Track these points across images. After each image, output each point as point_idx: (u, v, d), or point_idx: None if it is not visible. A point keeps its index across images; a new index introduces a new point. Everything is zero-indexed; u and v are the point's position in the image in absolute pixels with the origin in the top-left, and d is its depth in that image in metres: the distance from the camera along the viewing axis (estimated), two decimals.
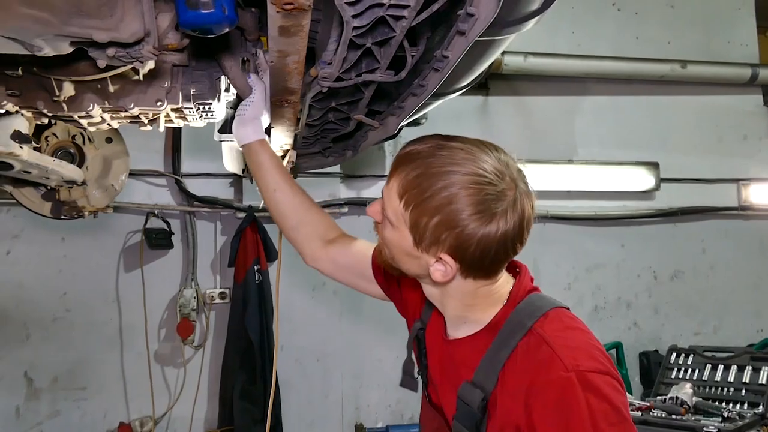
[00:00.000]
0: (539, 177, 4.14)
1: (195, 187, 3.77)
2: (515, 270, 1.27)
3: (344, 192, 3.98)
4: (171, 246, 3.67)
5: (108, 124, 1.71)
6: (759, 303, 4.70)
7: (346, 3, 1.04)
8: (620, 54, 4.30)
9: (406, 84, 1.59)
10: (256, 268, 3.61)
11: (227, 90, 1.77)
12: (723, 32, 4.69)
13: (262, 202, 2.04)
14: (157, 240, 3.61)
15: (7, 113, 1.67)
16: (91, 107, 1.50)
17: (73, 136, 2.30)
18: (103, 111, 1.57)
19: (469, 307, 1.22)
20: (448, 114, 3.68)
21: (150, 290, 3.63)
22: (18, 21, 0.99)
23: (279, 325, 3.56)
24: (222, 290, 3.78)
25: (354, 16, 1.10)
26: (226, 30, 1.19)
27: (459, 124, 3.97)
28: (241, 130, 1.69)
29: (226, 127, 2.07)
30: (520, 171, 1.17)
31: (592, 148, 4.38)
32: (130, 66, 1.39)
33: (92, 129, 1.71)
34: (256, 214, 3.68)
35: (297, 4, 0.90)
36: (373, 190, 4.04)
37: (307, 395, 3.79)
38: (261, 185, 1.72)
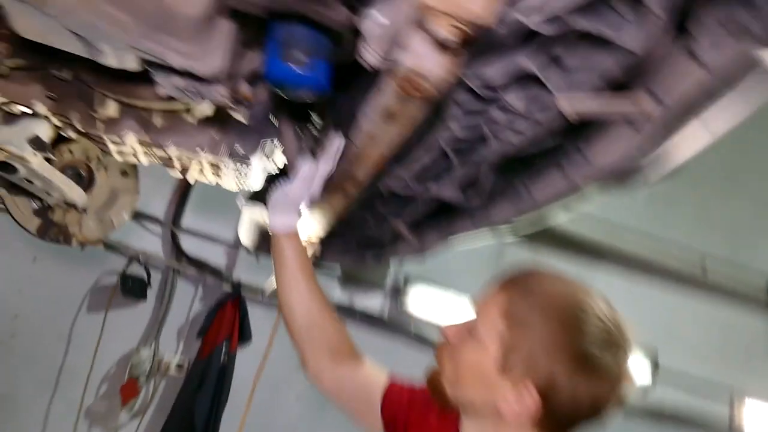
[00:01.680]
0: None
1: (189, 244, 3.57)
2: None
3: (338, 294, 3.78)
4: (144, 298, 3.42)
5: (136, 157, 1.55)
6: None
7: (460, 109, 0.91)
8: (644, 239, 4.25)
9: (468, 209, 1.45)
10: (224, 348, 3.33)
11: (269, 157, 1.64)
12: (747, 244, 4.67)
13: (271, 287, 1.86)
14: (132, 288, 3.37)
15: (34, 114, 1.52)
16: (127, 134, 1.35)
17: (90, 159, 2.15)
18: (139, 142, 1.42)
19: None
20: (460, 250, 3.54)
21: (106, 339, 3.34)
22: (94, 17, 0.85)
23: (230, 414, 3.27)
24: (181, 361, 3.48)
25: (460, 127, 0.98)
26: (313, 97, 1.06)
27: (469, 262, 3.83)
28: (275, 215, 1.53)
29: (255, 196, 1.92)
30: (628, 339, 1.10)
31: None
32: (190, 104, 1.26)
33: (118, 158, 1.56)
34: (244, 293, 3.45)
35: (422, 91, 0.76)
36: (371, 300, 3.84)
37: None
38: (278, 278, 1.55)
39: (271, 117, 1.35)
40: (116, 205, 2.20)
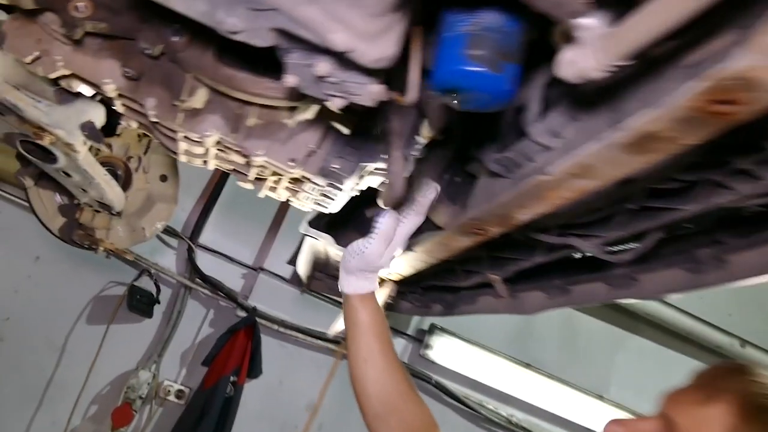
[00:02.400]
0: (568, 404, 3.68)
1: (205, 262, 3.29)
2: None
3: None
4: (150, 315, 3.13)
5: (205, 161, 1.30)
6: None
7: None
8: (680, 306, 4.01)
9: (605, 268, 1.20)
10: (232, 379, 3.04)
11: (357, 185, 1.38)
12: None
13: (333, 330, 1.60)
14: (139, 303, 3.08)
15: (93, 95, 1.27)
16: (210, 133, 1.10)
17: (129, 158, 1.89)
18: (219, 144, 1.17)
19: None
20: None
21: (104, 354, 3.03)
22: None
23: None
24: (182, 388, 3.17)
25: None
26: (488, 109, 0.82)
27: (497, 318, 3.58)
28: (349, 276, 1.30)
29: (319, 222, 1.67)
30: None
31: (626, 392, 3.95)
32: (304, 104, 1.02)
33: (183, 159, 1.30)
34: (259, 320, 3.17)
35: (739, 107, 0.52)
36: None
37: None
38: (351, 348, 1.33)
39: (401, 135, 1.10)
40: (151, 212, 1.95)
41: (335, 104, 0.85)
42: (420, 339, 3.59)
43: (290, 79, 0.83)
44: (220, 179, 3.34)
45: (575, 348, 3.96)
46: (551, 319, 3.92)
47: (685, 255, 1.00)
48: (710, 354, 4.16)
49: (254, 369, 3.15)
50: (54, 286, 3.10)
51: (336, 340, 3.28)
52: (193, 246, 3.27)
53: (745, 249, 0.89)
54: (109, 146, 1.85)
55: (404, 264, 1.42)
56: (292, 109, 1.10)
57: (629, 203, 0.92)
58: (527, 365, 3.71)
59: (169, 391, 3.14)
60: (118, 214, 1.82)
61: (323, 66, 0.77)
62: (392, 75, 0.80)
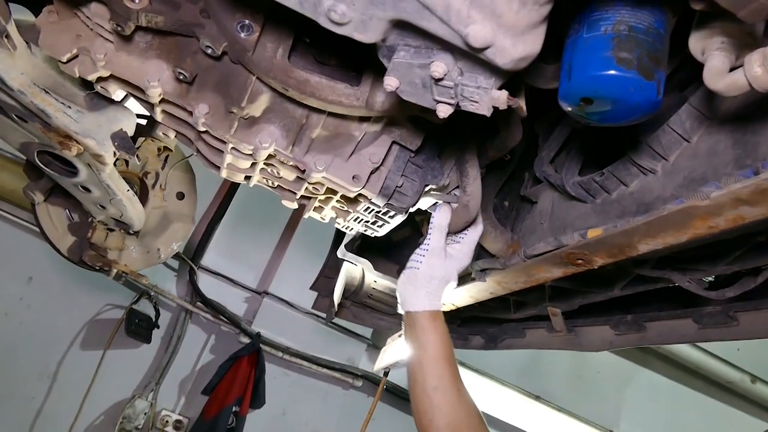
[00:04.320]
0: None
1: (207, 285, 3.13)
2: None
3: (364, 363, 3.34)
4: (148, 340, 2.96)
5: (247, 177, 1.17)
6: None
7: None
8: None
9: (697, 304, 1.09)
10: (234, 409, 2.87)
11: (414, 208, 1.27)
12: None
13: (379, 367, 1.48)
14: (138, 327, 2.91)
15: (127, 100, 1.15)
16: (268, 144, 0.98)
17: (146, 173, 1.76)
18: (271, 158, 1.05)
19: None
20: None
21: (99, 382, 2.85)
22: None
23: None
24: (181, 418, 2.99)
25: None
26: (629, 121, 0.70)
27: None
28: (411, 288, 1.17)
29: (351, 246, 1.55)
30: None
31: (636, 427, 3.84)
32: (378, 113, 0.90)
33: (223, 175, 1.17)
34: (263, 346, 3.01)
35: None
36: (395, 372, 3.41)
37: None
38: (417, 375, 1.18)
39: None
40: (167, 232, 1.81)
41: (441, 112, 0.73)
42: None
43: (391, 82, 0.71)
44: (224, 199, 3.20)
45: (585, 381, 3.85)
46: (561, 351, 3.80)
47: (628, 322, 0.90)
48: (721, 390, 4.07)
49: (257, 399, 2.99)
50: (47, 308, 2.91)
51: (367, 377, 3.12)
52: (195, 268, 3.11)
53: None
54: (125, 161, 1.72)
55: (464, 294, 1.30)
56: (362, 119, 0.98)
57: (762, 236, 0.81)
58: (537, 397, 3.58)
59: (167, 421, 2.95)
60: (136, 233, 1.67)
61: (441, 66, 0.65)
62: (516, 81, 0.69)
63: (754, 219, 0.65)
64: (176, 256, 3.11)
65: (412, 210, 1.21)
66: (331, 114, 0.96)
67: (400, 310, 1.21)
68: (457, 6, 0.57)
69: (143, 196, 1.74)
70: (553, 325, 1.39)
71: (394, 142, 1.07)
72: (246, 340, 3.07)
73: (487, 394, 3.44)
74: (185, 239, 1.84)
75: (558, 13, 0.67)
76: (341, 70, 0.91)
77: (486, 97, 0.67)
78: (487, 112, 0.70)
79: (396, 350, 1.83)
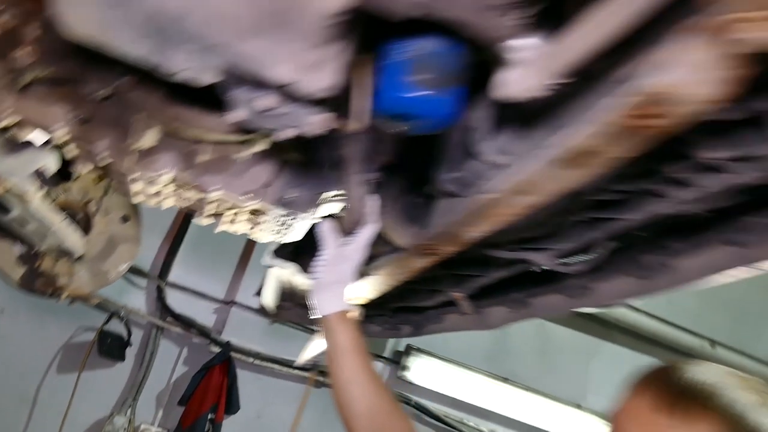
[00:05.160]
0: (547, 415, 3.70)
1: (176, 300, 3.25)
2: None
3: None
4: (122, 359, 3.07)
5: (162, 200, 1.30)
6: None
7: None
8: (649, 311, 4.08)
9: (554, 282, 1.23)
10: (210, 416, 2.99)
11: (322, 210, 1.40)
12: (751, 324, 4.54)
13: (302, 360, 1.60)
14: (110, 347, 3.02)
15: (45, 142, 1.27)
16: (166, 170, 1.11)
17: (88, 201, 1.88)
18: (174, 182, 1.18)
19: None
20: None
21: (77, 403, 2.96)
22: (194, 4, 0.63)
23: None
24: (159, 430, 3.11)
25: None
26: (432, 130, 0.84)
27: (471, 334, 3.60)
28: (323, 295, 1.29)
29: (284, 251, 1.68)
30: None
31: (603, 400, 3.98)
32: (253, 136, 1.03)
33: (138, 200, 1.30)
34: (233, 354, 3.14)
35: (660, 122, 0.55)
36: None
37: None
38: (334, 372, 1.30)
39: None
40: (114, 255, 1.94)
41: (284, 135, 0.86)
42: (397, 361, 3.59)
43: (237, 114, 0.84)
44: (186, 216, 3.32)
45: (550, 359, 3.99)
46: (525, 331, 3.94)
47: (634, 262, 1.03)
48: (682, 356, 4.23)
49: (232, 405, 3.11)
50: (21, 337, 3.02)
51: (305, 368, 3.27)
52: (162, 285, 3.23)
53: (689, 253, 0.92)
54: (66, 191, 1.84)
55: (369, 287, 1.43)
56: (245, 142, 1.12)
57: (575, 216, 0.94)
58: (505, 379, 3.72)
59: None
60: (80, 258, 1.80)
61: (267, 100, 0.79)
62: (340, 103, 0.82)
63: (538, 204, 0.79)
64: (143, 274, 3.23)
65: (318, 215, 1.34)
66: (214, 141, 1.09)
67: (313, 317, 1.34)
68: (262, 53, 0.70)
69: (87, 223, 1.87)
70: (463, 309, 1.53)
71: (284, 158, 1.20)
72: (217, 349, 3.19)
73: (456, 380, 3.58)
74: (133, 259, 1.97)
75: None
76: (219, 102, 1.04)
77: (311, 120, 0.81)
78: (318, 131, 0.83)
79: (316, 346, 1.95)
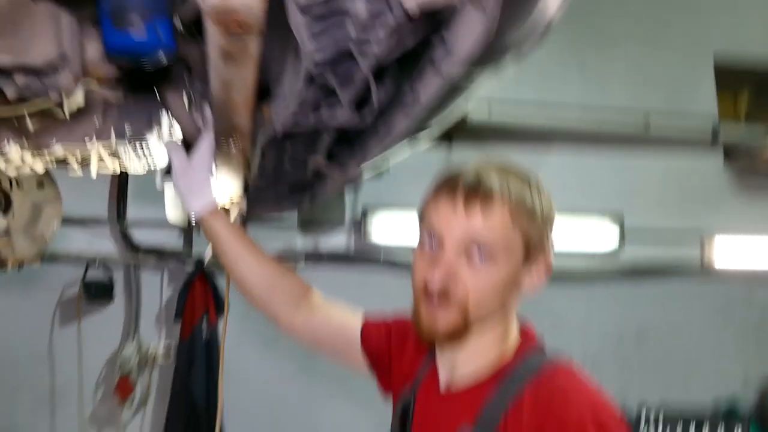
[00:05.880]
0: None
1: (141, 236, 3.52)
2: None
3: (300, 242, 3.78)
4: (112, 299, 3.40)
5: (31, 168, 1.51)
6: (723, 363, 4.62)
7: (306, 32, 0.88)
8: (585, 112, 4.28)
9: (370, 127, 1.44)
10: (204, 323, 3.35)
11: (170, 132, 1.60)
12: (685, 92, 4.74)
13: (207, 258, 1.85)
14: (97, 293, 3.34)
15: None
16: (6, 145, 1.30)
17: None
18: (23, 151, 1.37)
19: (502, 339, 1.16)
20: (409, 166, 3.54)
21: (87, 347, 3.34)
22: None
23: (227, 387, 3.31)
24: (167, 347, 3.50)
25: (316, 49, 0.95)
26: (162, 61, 1.02)
27: (422, 177, 3.82)
28: (190, 199, 1.49)
29: (169, 171, 1.88)
30: None
31: (556, 207, 4.30)
32: (50, 99, 1.21)
33: (12, 173, 1.51)
34: (207, 267, 3.44)
35: (243, 27, 0.73)
36: (334, 240, 3.86)
37: None
38: (221, 258, 1.54)
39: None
40: (42, 218, 2.15)
41: (54, 97, 1.05)
42: (359, 224, 3.86)
43: (9, 93, 1.02)
44: None
45: None
46: (470, 158, 4.18)
47: (399, 97, 1.23)
48: (622, 143, 4.47)
49: (220, 308, 3.45)
50: (17, 309, 3.34)
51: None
52: (123, 226, 3.49)
53: (419, 82, 1.12)
54: None
55: (232, 181, 1.64)
56: (60, 104, 1.30)
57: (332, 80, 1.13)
58: None
59: (155, 354, 3.47)
60: (8, 232, 2.02)
61: (19, 79, 0.97)
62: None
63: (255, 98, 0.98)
64: (103, 222, 3.48)
65: (169, 137, 1.54)
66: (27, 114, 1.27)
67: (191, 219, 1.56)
68: None
69: (7, 199, 2.08)
70: (329, 172, 1.75)
71: (103, 104, 1.37)
72: (192, 267, 3.49)
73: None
74: (60, 216, 2.19)
75: None
76: None
77: (62, 81, 0.99)
78: (80, 95, 1.02)
79: None
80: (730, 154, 4.84)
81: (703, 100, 4.79)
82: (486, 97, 4.04)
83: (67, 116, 1.31)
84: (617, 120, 4.37)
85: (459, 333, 1.11)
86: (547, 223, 1.14)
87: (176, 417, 3.29)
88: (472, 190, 1.10)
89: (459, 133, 4.11)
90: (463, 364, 1.16)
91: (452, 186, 1.14)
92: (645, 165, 4.62)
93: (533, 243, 1.10)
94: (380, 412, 1.47)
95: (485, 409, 1.06)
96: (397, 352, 1.38)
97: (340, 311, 1.52)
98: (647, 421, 3.64)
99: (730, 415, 3.48)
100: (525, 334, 1.19)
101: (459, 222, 1.10)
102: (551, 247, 1.17)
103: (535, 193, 1.13)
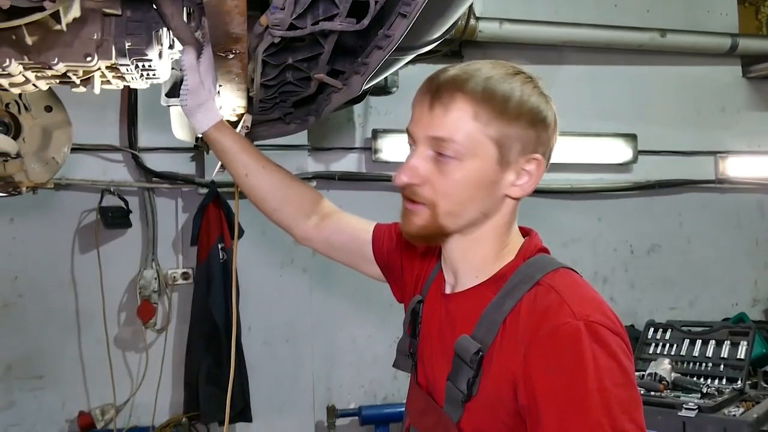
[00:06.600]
0: None
1: (154, 161, 3.56)
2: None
3: (312, 165, 3.80)
4: (129, 225, 3.47)
5: (33, 85, 1.51)
6: (735, 277, 4.65)
7: None
8: (598, 22, 4.16)
9: (370, 36, 1.42)
10: (220, 246, 3.42)
11: (171, 47, 1.59)
12: (703, 1, 4.58)
13: (215, 172, 1.87)
14: (114, 219, 3.40)
15: None
16: (7, 62, 1.31)
17: (7, 105, 2.09)
18: (24, 68, 1.38)
19: (500, 244, 1.15)
20: (420, 83, 3.51)
21: (107, 272, 3.43)
22: None
23: (245, 305, 3.42)
24: (185, 270, 3.59)
25: None
26: None
27: None
28: (194, 116, 1.49)
29: (175, 91, 1.88)
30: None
31: (569, 119, 4.24)
32: (45, 9, 1.20)
33: (16, 90, 1.51)
34: (219, 189, 3.48)
35: None
36: (342, 162, 3.87)
37: (277, 377, 3.63)
38: (231, 171, 1.56)
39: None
40: (53, 142, 2.17)
41: (49, 6, 1.04)
42: (369, 147, 3.88)
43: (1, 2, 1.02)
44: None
45: None
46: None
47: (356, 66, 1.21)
48: (636, 54, 4.37)
49: (234, 230, 3.51)
50: (38, 236, 3.42)
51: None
52: (136, 152, 3.52)
53: None
54: None
55: (235, 95, 1.64)
56: (55, 16, 1.29)
57: None
58: None
59: (174, 277, 3.56)
60: (19, 156, 2.05)
61: None
62: None
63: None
64: (117, 149, 3.51)
65: (166, 54, 1.53)
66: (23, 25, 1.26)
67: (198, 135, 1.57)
68: None
69: (17, 124, 2.09)
70: (333, 85, 1.74)
71: (104, 15, 1.36)
72: (204, 191, 3.53)
73: None
74: (71, 140, 2.21)
75: None
76: None
77: None
78: (76, 5, 1.01)
79: None
80: (748, 65, 4.73)
81: (722, 9, 4.65)
82: (497, 18, 3.94)
83: (64, 27, 1.31)
84: (632, 27, 4.27)
85: (434, 234, 1.13)
86: (532, 122, 1.07)
87: (198, 335, 3.40)
88: (440, 88, 1.09)
89: (470, 49, 4.04)
90: (461, 268, 1.19)
91: (427, 85, 1.14)
92: (660, 76, 4.53)
93: (508, 141, 1.05)
94: (394, 329, 1.50)
95: (484, 317, 1.07)
96: (408, 256, 1.41)
97: (352, 218, 1.56)
98: (655, 334, 3.71)
99: (739, 327, 3.54)
100: (528, 241, 1.18)
101: (424, 120, 1.10)
102: (545, 149, 1.11)
103: (521, 91, 1.06)
